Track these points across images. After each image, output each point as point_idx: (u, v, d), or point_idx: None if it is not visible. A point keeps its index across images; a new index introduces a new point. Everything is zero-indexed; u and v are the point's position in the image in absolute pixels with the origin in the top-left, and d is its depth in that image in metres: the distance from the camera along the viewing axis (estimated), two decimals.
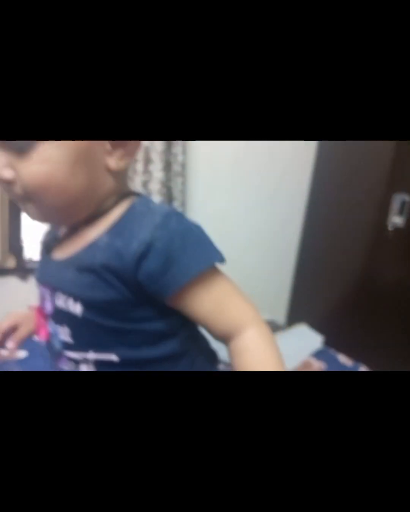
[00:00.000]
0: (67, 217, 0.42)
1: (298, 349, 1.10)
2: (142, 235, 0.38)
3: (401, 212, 1.64)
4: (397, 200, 1.67)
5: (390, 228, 1.66)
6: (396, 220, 1.65)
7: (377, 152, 1.70)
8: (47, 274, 0.46)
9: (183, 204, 1.33)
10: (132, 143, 0.41)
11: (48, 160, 0.36)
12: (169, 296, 0.40)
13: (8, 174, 0.37)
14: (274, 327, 1.29)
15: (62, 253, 0.45)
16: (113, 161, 0.40)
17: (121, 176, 0.43)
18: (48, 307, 0.45)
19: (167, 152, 1.21)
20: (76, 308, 0.41)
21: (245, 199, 1.71)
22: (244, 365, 0.40)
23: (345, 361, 1.11)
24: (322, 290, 2.01)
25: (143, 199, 0.44)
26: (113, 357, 0.42)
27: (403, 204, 1.63)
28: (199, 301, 0.41)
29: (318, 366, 1.05)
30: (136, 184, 1.17)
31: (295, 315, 2.08)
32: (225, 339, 0.42)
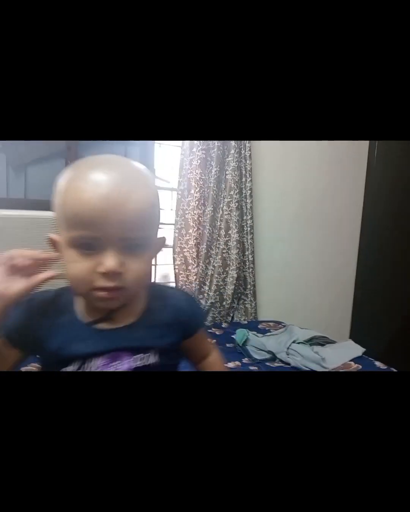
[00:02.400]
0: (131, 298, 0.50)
1: (341, 355, 1.51)
2: (183, 303, 0.58)
3: None
4: None
5: None
6: None
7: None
8: (114, 341, 0.50)
9: (252, 253, 1.89)
10: (160, 248, 0.55)
11: (148, 261, 0.49)
12: (192, 336, 0.60)
13: (121, 269, 0.44)
14: (329, 341, 1.69)
15: (117, 323, 0.51)
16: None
17: None
18: (124, 367, 0.50)
19: (240, 219, 1.80)
20: (154, 358, 0.52)
21: (304, 244, 2.21)
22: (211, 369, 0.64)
23: (379, 365, 1.48)
24: (378, 322, 2.33)
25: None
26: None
27: None
28: (197, 337, 0.61)
29: (355, 366, 1.44)
30: (220, 243, 1.78)
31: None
32: (199, 359, 0.64)
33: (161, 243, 0.54)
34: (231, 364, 1.38)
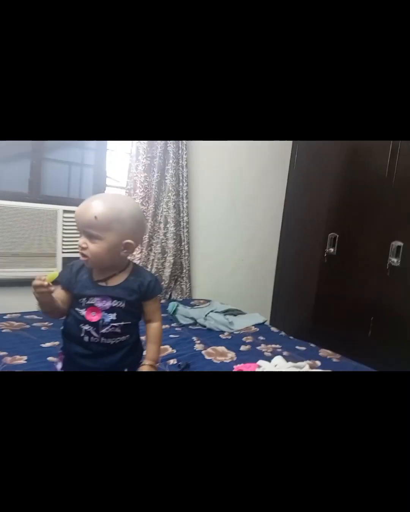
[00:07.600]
0: (104, 269, 0.92)
1: (247, 321, 2.01)
2: (147, 280, 0.95)
3: (333, 245, 2.52)
4: (330, 237, 2.58)
5: (326, 255, 2.56)
6: (330, 250, 2.54)
7: (317, 204, 2.64)
8: (106, 291, 0.91)
9: (188, 243, 2.33)
10: (131, 249, 0.91)
11: (101, 247, 0.86)
12: (147, 301, 0.98)
13: (85, 246, 0.86)
14: (241, 313, 2.19)
15: (111, 282, 0.92)
16: (124, 253, 0.91)
17: (126, 257, 0.94)
18: (106, 305, 0.90)
19: (177, 216, 2.24)
20: (122, 304, 0.92)
21: (233, 239, 2.70)
22: (149, 335, 1.00)
23: (274, 329, 1.99)
24: (292, 308, 2.88)
25: (134, 264, 0.98)
26: (128, 322, 0.93)
27: (334, 239, 2.53)
28: (151, 305, 1.00)
29: (254, 329, 1.95)
30: (160, 234, 2.20)
31: (274, 320, 2.95)
32: (147, 320, 1.00)
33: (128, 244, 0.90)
34: (165, 326, 1.82)
